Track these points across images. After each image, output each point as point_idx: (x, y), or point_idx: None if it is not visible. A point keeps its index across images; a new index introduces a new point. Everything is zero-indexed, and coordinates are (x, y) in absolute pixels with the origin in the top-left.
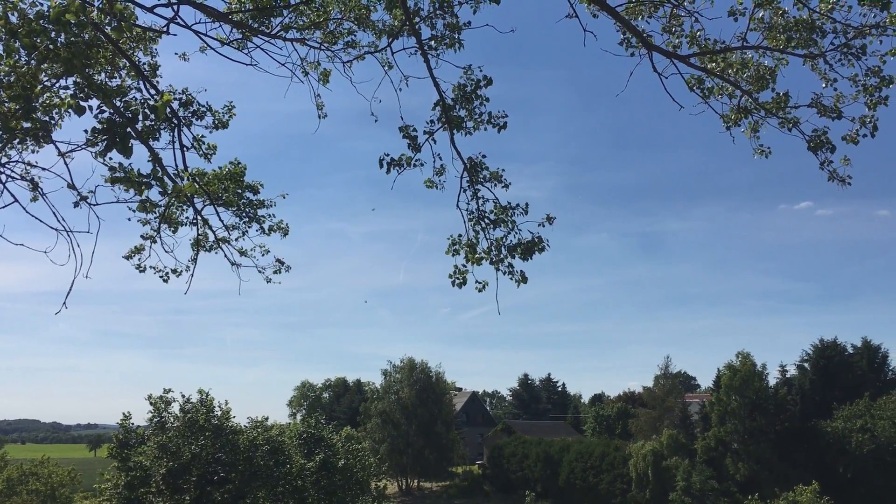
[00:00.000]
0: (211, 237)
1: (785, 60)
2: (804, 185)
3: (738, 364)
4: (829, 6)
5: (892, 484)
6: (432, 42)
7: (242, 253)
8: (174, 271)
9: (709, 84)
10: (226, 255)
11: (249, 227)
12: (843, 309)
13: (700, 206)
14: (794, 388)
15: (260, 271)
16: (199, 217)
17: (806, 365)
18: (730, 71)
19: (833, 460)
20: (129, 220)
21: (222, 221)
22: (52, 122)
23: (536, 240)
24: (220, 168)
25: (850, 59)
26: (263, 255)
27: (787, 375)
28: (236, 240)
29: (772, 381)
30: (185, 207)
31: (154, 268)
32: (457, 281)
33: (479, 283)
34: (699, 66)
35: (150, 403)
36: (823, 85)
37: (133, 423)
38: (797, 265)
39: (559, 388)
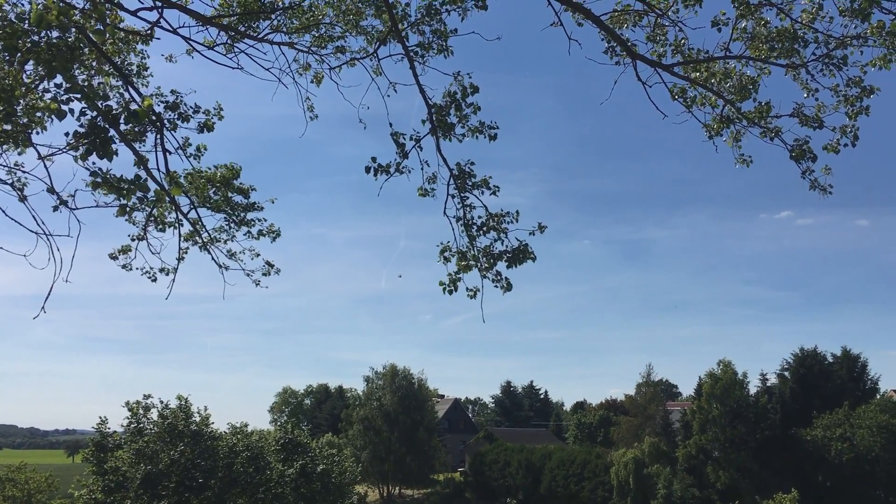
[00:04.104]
0: (199, 240)
1: (767, 70)
2: (784, 194)
3: (719, 372)
4: (811, 17)
5: (871, 492)
6: (418, 49)
7: (231, 254)
8: (161, 270)
9: (692, 93)
10: (213, 258)
11: (237, 231)
12: (823, 318)
13: (683, 214)
14: (775, 397)
15: (248, 274)
16: (185, 220)
17: (786, 374)
18: (713, 80)
19: (813, 469)
20: (115, 217)
21: (205, 227)
22: (34, 124)
23: (523, 247)
24: (214, 168)
25: (832, 69)
26: (253, 258)
27: (768, 384)
28: (225, 242)
29: (752, 390)
30: (171, 209)
31: (140, 269)
32: (448, 288)
33: (471, 289)
34: (683, 75)
35: (128, 409)
36: (805, 95)
37: (109, 428)
38: (778, 274)
39: (541, 396)
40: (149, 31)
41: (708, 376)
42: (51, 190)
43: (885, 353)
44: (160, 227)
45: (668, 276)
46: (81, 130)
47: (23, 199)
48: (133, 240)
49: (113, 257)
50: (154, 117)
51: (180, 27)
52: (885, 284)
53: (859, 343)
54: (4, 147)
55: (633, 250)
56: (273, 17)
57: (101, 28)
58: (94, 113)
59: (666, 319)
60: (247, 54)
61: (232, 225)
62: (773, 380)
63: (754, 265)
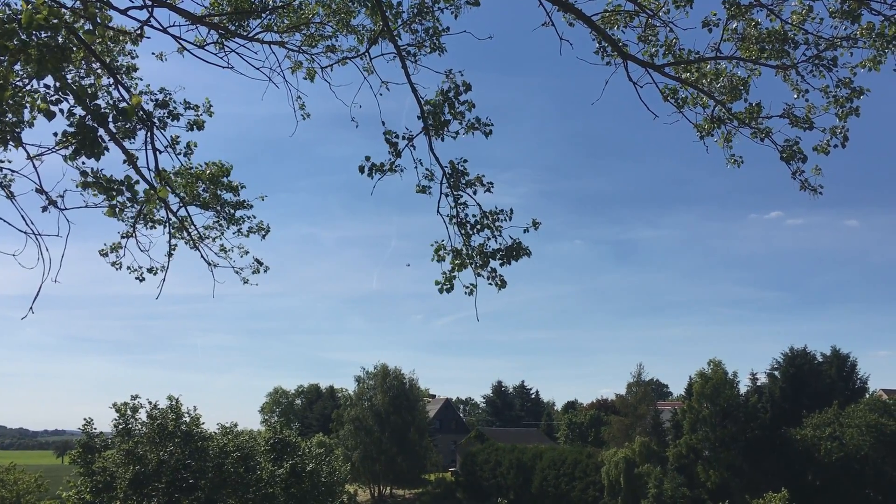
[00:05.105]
0: (188, 236)
1: (758, 71)
2: (774, 194)
3: (709, 372)
4: (801, 18)
5: (860, 491)
6: (410, 48)
7: (222, 249)
8: (150, 270)
9: (683, 94)
10: (202, 256)
11: (226, 229)
12: (812, 318)
13: (673, 214)
14: (765, 396)
15: (237, 272)
16: (174, 217)
17: (776, 373)
18: (704, 81)
19: (802, 468)
20: (105, 215)
21: (194, 225)
22: (22, 123)
23: (516, 244)
24: (204, 164)
25: (822, 70)
26: (242, 256)
27: (758, 383)
28: (214, 240)
29: (742, 389)
30: (160, 206)
31: (130, 267)
32: (445, 287)
33: (468, 286)
34: (674, 75)
35: (116, 411)
36: (795, 96)
37: (96, 429)
38: (768, 274)
39: (532, 396)
40: (139, 31)
41: (698, 376)
42: (39, 190)
43: (874, 353)
44: (149, 224)
45: (659, 276)
46: (70, 130)
47: (10, 196)
48: (123, 237)
49: (103, 254)
50: (143, 115)
51: (170, 26)
52: (874, 284)
53: (849, 343)
54: None
55: (624, 250)
56: (263, 16)
57: (91, 28)
58: (84, 112)
59: (656, 319)
60: (237, 53)
61: (222, 222)
62: (763, 379)
63: (744, 265)
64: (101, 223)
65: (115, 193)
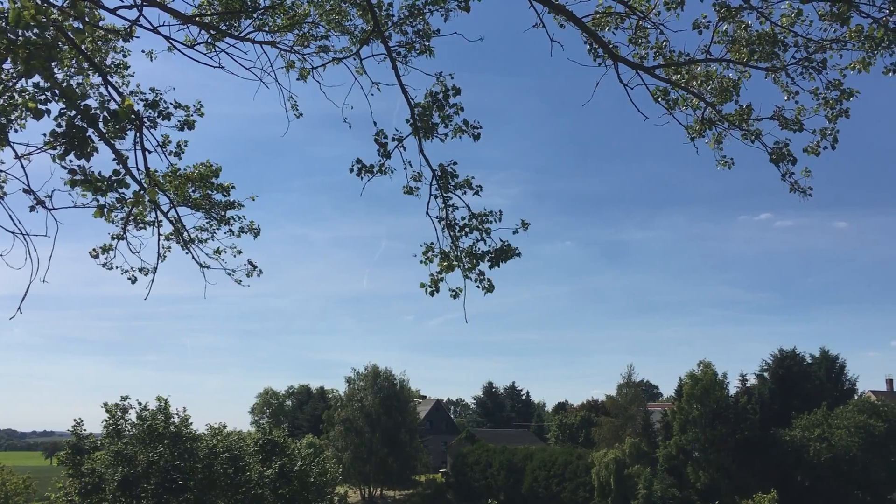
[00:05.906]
0: (179, 238)
1: (748, 73)
2: (764, 196)
3: (699, 373)
4: (791, 20)
5: (849, 492)
6: (401, 49)
7: (216, 252)
8: (141, 270)
9: (673, 96)
10: (193, 257)
11: (218, 230)
12: (802, 319)
13: (663, 215)
14: (754, 397)
15: (229, 273)
16: (164, 218)
17: (765, 374)
18: (694, 83)
19: (791, 468)
20: (94, 217)
21: (184, 226)
22: (10, 123)
23: (505, 247)
24: (193, 167)
25: (812, 72)
26: (235, 256)
27: (748, 384)
28: (205, 241)
29: (732, 391)
30: (151, 209)
31: (120, 268)
32: (430, 289)
33: (454, 290)
34: (664, 77)
35: (106, 411)
36: (785, 98)
37: (85, 430)
38: (758, 276)
39: (523, 397)
40: (128, 30)
41: (688, 377)
42: (27, 190)
43: (863, 354)
44: (140, 225)
45: (649, 277)
46: (59, 130)
47: (3, 194)
48: (114, 238)
49: (94, 255)
50: (133, 115)
51: (161, 25)
52: (863, 286)
53: (837, 344)
54: None
55: (615, 251)
56: (255, 15)
57: (80, 27)
58: (73, 112)
59: (647, 320)
60: (227, 53)
61: (212, 223)
62: (752, 380)
63: (734, 266)
64: (91, 224)
65: (105, 190)
